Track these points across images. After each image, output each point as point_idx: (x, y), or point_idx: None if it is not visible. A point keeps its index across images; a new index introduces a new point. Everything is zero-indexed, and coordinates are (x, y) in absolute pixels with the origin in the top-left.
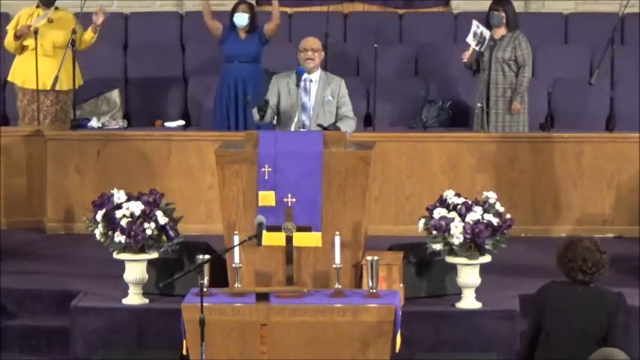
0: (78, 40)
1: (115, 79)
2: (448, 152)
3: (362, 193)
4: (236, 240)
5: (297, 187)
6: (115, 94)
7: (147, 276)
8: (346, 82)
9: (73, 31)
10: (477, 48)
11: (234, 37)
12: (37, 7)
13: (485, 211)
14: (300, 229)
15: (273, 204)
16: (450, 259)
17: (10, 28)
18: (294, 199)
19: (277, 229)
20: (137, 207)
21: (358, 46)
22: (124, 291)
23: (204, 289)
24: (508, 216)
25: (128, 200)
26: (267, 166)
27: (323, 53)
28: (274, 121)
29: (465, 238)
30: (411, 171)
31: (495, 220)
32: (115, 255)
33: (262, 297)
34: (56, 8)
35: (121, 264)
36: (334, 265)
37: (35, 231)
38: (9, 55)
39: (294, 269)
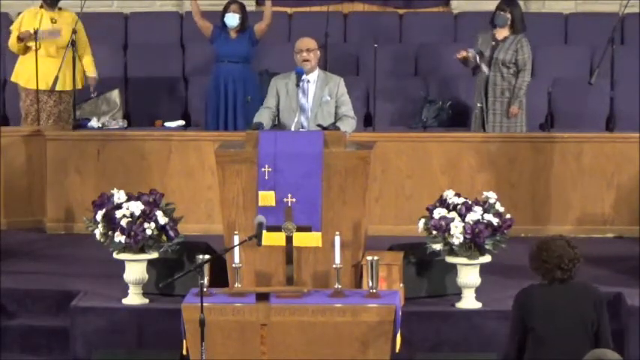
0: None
1: (115, 79)
2: (448, 152)
3: (362, 193)
4: (236, 240)
5: (297, 187)
6: (115, 94)
7: (147, 276)
8: (346, 81)
9: (74, 32)
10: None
11: (224, 36)
12: (41, 7)
13: (486, 211)
14: (300, 229)
15: (273, 204)
16: (450, 259)
17: (14, 29)
18: (294, 199)
19: (277, 229)
20: (137, 207)
21: (358, 46)
22: (124, 291)
23: (204, 289)
24: (508, 216)
25: (128, 200)
26: (267, 166)
27: (319, 52)
28: (275, 122)
29: (465, 238)
30: (411, 171)
31: (495, 220)
32: (115, 255)
33: (262, 297)
34: (59, 9)
35: (121, 264)
36: (334, 265)
37: (35, 231)
38: (10, 55)
39: (294, 269)
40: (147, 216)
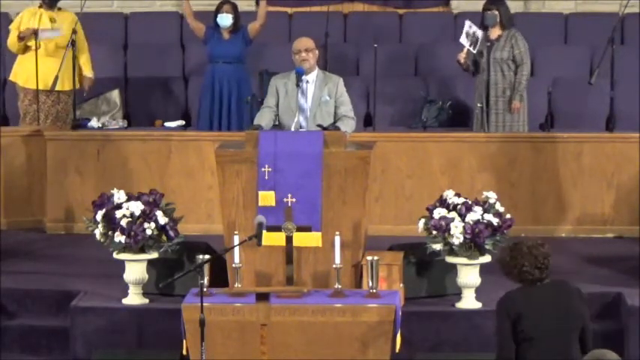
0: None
1: (115, 79)
2: (448, 152)
3: (362, 193)
4: (236, 240)
5: (297, 187)
6: (115, 94)
7: (147, 276)
8: (346, 82)
9: (74, 32)
10: (471, 48)
11: (217, 37)
12: (40, 7)
13: (486, 211)
14: (300, 229)
15: (273, 204)
16: (450, 259)
17: (14, 29)
18: (294, 199)
19: (277, 229)
20: (137, 207)
21: (358, 46)
22: (124, 291)
23: (204, 289)
24: (508, 216)
25: (128, 200)
26: (267, 166)
27: (317, 52)
28: (275, 122)
29: (465, 238)
30: (411, 171)
31: (495, 220)
32: (115, 255)
33: (262, 297)
34: (59, 9)
35: (121, 264)
36: (334, 265)
37: (35, 231)
38: (10, 54)
39: (294, 269)
40: (147, 216)
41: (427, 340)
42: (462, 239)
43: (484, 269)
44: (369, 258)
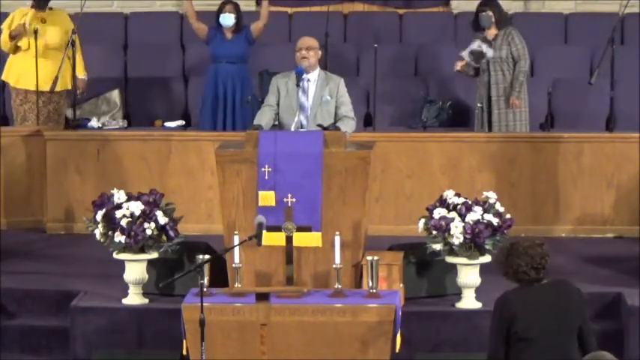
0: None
1: (115, 79)
2: (448, 152)
3: (362, 193)
4: (236, 240)
5: (297, 187)
6: (115, 94)
7: (147, 276)
8: (346, 82)
9: (73, 32)
10: (473, 63)
11: (220, 37)
12: (32, 7)
13: (485, 211)
14: (300, 229)
15: (273, 204)
16: (450, 259)
17: (5, 28)
18: (294, 199)
19: (277, 229)
20: (137, 207)
21: (358, 46)
22: (124, 291)
23: (204, 289)
24: (508, 216)
25: (128, 200)
26: (267, 166)
27: (320, 52)
28: (275, 122)
29: (465, 238)
30: (411, 171)
31: (495, 220)
32: (115, 255)
33: (262, 297)
34: (50, 9)
35: (121, 264)
36: (334, 265)
37: (35, 231)
38: (3, 54)
39: (294, 269)
40: (147, 216)
41: (427, 340)
42: (462, 239)
43: (484, 269)
44: (369, 258)
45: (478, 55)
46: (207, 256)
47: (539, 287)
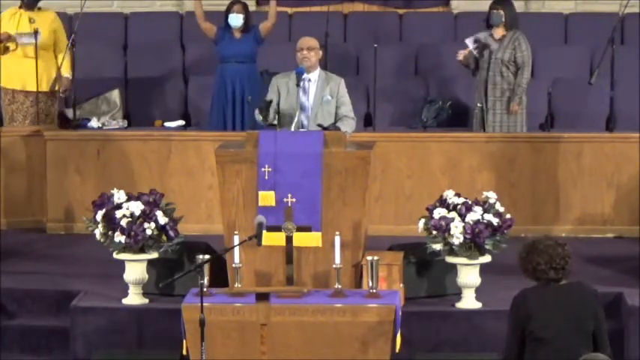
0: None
1: (115, 79)
2: (448, 152)
3: (362, 193)
4: (236, 240)
5: (297, 187)
6: (115, 94)
7: (147, 276)
8: (346, 81)
9: (74, 32)
10: (475, 52)
11: (229, 37)
12: (20, 7)
13: (485, 211)
14: (300, 229)
15: (273, 204)
16: (450, 259)
17: None
18: (294, 199)
19: (277, 229)
20: (137, 207)
21: (358, 46)
22: (124, 291)
23: (204, 289)
24: (508, 216)
25: (128, 200)
26: (267, 166)
27: (320, 52)
28: (275, 121)
29: (465, 238)
30: (411, 171)
31: (495, 220)
32: (115, 255)
33: (262, 297)
34: (39, 8)
35: (121, 264)
36: (334, 265)
37: (35, 231)
38: None
39: (294, 269)
40: (147, 216)
41: (427, 340)
42: (462, 239)
43: (484, 269)
44: (369, 258)
45: (481, 46)
46: (207, 256)
47: (557, 288)
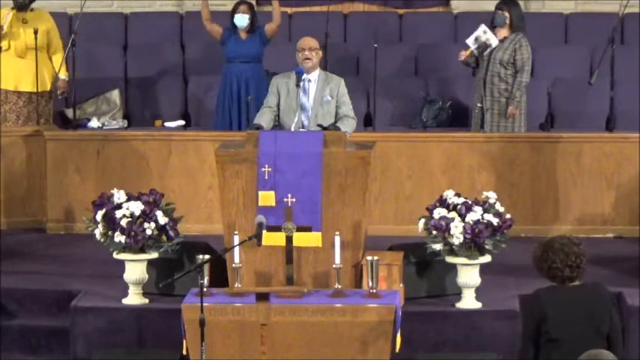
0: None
1: (115, 79)
2: (448, 152)
3: (362, 193)
4: (236, 240)
5: (297, 187)
6: (115, 94)
7: (147, 276)
8: (346, 81)
9: (74, 32)
10: (477, 52)
11: (235, 38)
12: (13, 8)
13: (486, 211)
14: (300, 229)
15: (273, 204)
16: (450, 259)
17: None
18: (294, 199)
19: (277, 229)
20: (137, 207)
21: (358, 46)
22: (124, 291)
23: (204, 289)
24: (508, 216)
25: (128, 200)
26: (267, 166)
27: (321, 52)
28: (275, 122)
29: (465, 238)
30: (411, 171)
31: (495, 220)
32: (115, 255)
33: (262, 297)
34: (32, 10)
35: (121, 264)
36: (334, 265)
37: (35, 231)
38: None
39: (294, 269)
40: (147, 216)
41: (427, 340)
42: (462, 239)
43: (484, 269)
44: (369, 258)
45: (482, 45)
46: (207, 256)
47: (572, 288)
